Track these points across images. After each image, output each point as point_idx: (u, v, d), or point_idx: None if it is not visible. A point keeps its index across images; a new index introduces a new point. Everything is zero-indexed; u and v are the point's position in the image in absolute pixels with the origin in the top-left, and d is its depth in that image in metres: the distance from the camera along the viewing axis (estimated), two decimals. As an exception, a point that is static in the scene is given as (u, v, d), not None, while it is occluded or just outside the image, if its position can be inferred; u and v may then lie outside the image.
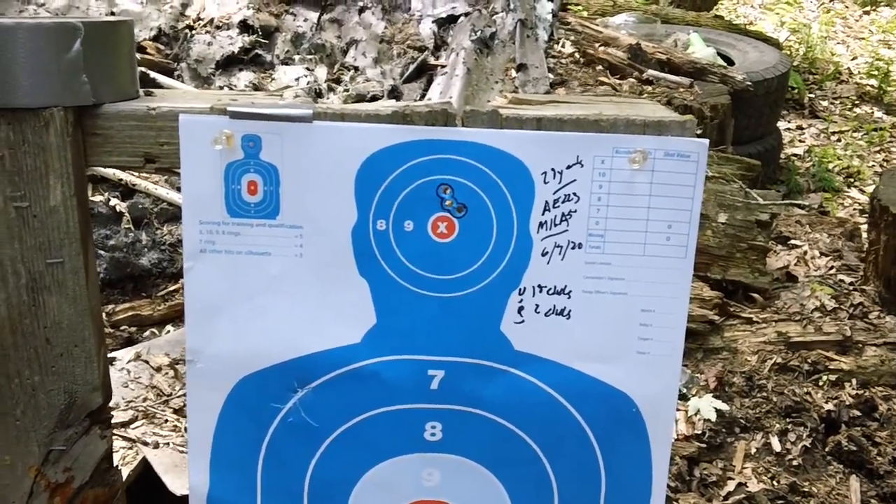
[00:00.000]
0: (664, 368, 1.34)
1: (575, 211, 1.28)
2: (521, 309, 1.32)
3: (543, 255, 1.30)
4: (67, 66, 1.22)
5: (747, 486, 2.68)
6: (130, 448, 2.47)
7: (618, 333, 1.33)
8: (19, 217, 1.27)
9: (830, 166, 6.99)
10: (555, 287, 1.31)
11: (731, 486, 2.68)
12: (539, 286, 1.31)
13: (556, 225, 1.28)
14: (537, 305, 1.32)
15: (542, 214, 1.28)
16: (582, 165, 1.26)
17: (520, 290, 1.31)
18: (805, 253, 3.97)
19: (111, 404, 1.43)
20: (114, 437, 1.50)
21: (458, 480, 1.41)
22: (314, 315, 1.33)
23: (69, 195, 1.28)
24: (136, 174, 3.65)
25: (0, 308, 1.30)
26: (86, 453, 1.40)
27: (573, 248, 1.29)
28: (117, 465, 1.48)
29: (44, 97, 1.22)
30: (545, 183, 1.27)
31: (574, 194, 1.27)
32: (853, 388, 3.07)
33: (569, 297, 1.31)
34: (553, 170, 1.26)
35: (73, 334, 1.34)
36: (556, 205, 1.28)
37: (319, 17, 5.08)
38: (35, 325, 1.32)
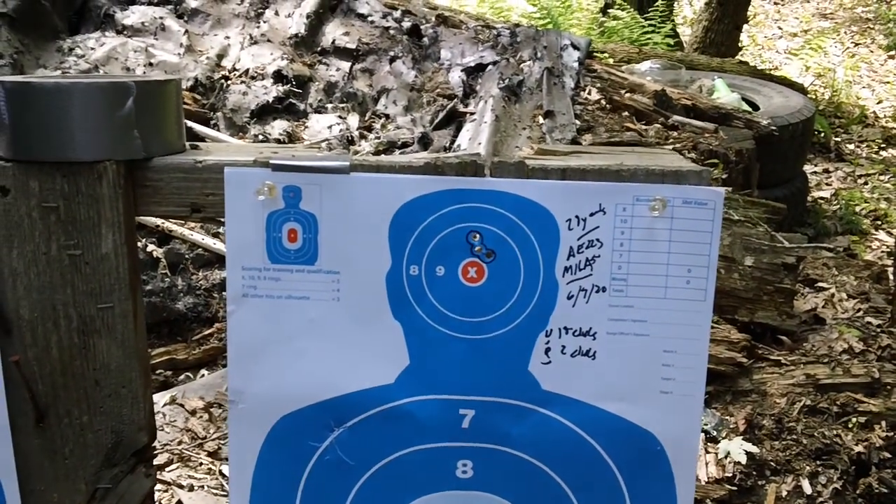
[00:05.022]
0: (687, 407, 1.37)
1: (598, 256, 1.32)
2: (548, 350, 1.36)
3: (569, 298, 1.34)
4: (120, 122, 1.28)
5: (777, 529, 2.68)
6: (166, 491, 2.52)
7: (641, 373, 1.36)
8: (72, 264, 1.33)
9: (857, 209, 6.99)
10: (580, 329, 1.35)
11: (761, 528, 2.69)
12: (565, 328, 1.35)
13: (580, 269, 1.33)
14: (563, 346, 1.36)
15: (567, 259, 1.32)
16: (604, 213, 1.31)
17: (547, 331, 1.35)
18: (832, 295, 3.97)
19: (150, 446, 1.48)
20: (155, 477, 1.54)
21: (489, 517, 1.45)
22: (350, 356, 1.37)
23: (120, 243, 1.33)
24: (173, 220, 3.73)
25: (52, 350, 1.36)
26: (131, 491, 1.43)
27: (597, 291, 1.33)
28: (158, 505, 1.53)
29: (97, 151, 1.28)
30: (569, 230, 1.31)
31: (597, 240, 1.32)
32: (883, 430, 3.05)
33: (594, 339, 1.35)
34: (577, 217, 1.31)
35: (121, 376, 1.38)
36: (581, 250, 1.32)
37: (351, 67, 5.18)
38: (85, 367, 1.37)
